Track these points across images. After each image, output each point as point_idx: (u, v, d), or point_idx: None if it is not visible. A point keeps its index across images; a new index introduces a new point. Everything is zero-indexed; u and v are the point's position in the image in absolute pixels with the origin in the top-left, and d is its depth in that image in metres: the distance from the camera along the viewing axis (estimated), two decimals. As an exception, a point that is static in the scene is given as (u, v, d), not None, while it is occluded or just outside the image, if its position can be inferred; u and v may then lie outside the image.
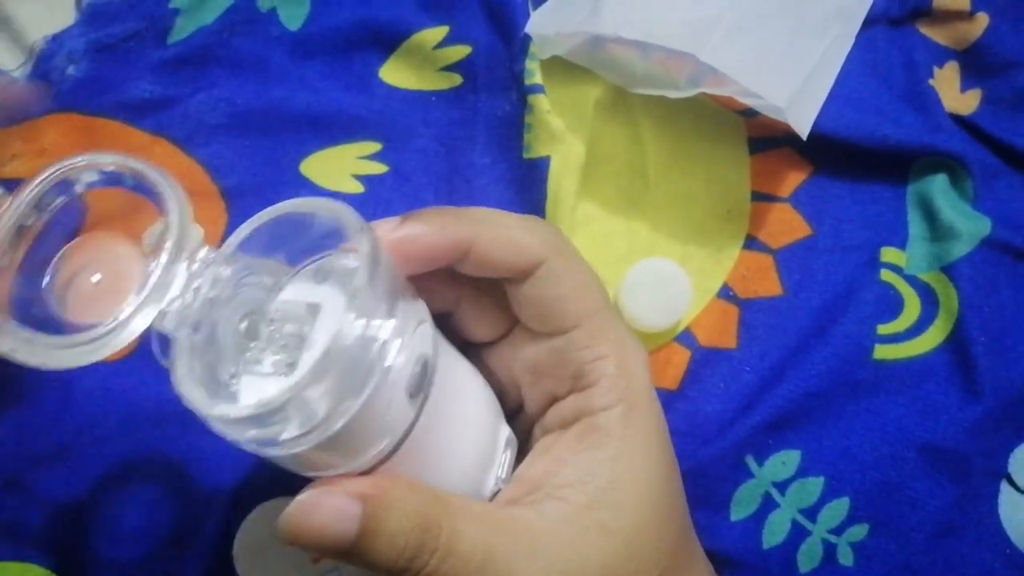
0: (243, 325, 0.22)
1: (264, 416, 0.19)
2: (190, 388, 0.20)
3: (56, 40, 0.33)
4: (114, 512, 0.30)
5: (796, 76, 0.31)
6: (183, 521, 0.30)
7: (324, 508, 0.21)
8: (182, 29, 0.34)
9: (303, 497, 0.21)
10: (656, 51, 0.32)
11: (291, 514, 0.21)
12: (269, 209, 0.21)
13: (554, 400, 0.25)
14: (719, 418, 0.33)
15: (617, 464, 0.24)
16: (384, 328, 0.20)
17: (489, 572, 0.22)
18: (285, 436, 0.20)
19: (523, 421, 0.27)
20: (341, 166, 0.34)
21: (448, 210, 0.24)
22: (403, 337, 0.21)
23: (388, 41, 0.35)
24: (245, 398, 0.21)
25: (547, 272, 0.24)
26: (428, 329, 0.22)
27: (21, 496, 0.30)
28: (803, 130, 0.31)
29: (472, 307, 0.26)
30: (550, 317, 0.24)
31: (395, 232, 0.22)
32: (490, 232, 0.23)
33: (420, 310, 0.23)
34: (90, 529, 0.29)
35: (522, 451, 0.26)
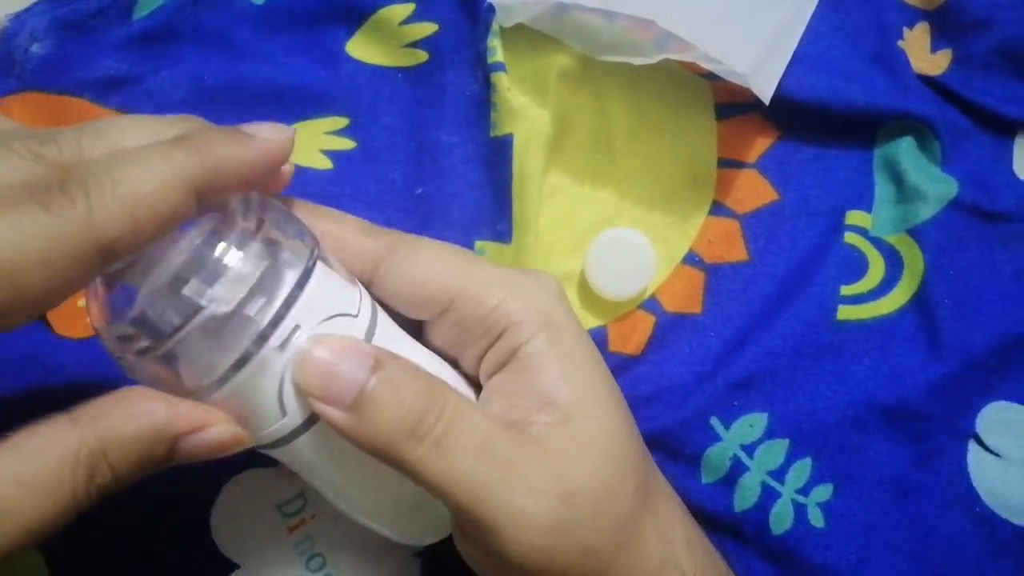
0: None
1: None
2: None
3: (19, 19, 0.33)
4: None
5: (757, 41, 0.31)
6: (159, 495, 0.30)
7: (340, 348, 0.22)
8: (146, 4, 0.34)
9: (318, 339, 0.22)
10: (621, 18, 0.32)
11: (306, 352, 0.22)
12: None
13: (478, 358, 0.26)
14: (683, 381, 0.33)
15: (570, 379, 0.25)
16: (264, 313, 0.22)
17: (488, 457, 0.22)
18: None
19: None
20: (309, 141, 0.34)
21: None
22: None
23: (355, 16, 0.35)
24: None
25: (395, 262, 0.26)
26: (347, 323, 0.23)
27: None
28: (766, 95, 0.31)
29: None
30: (420, 305, 0.26)
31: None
32: (342, 230, 0.26)
33: (344, 303, 0.24)
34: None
35: None
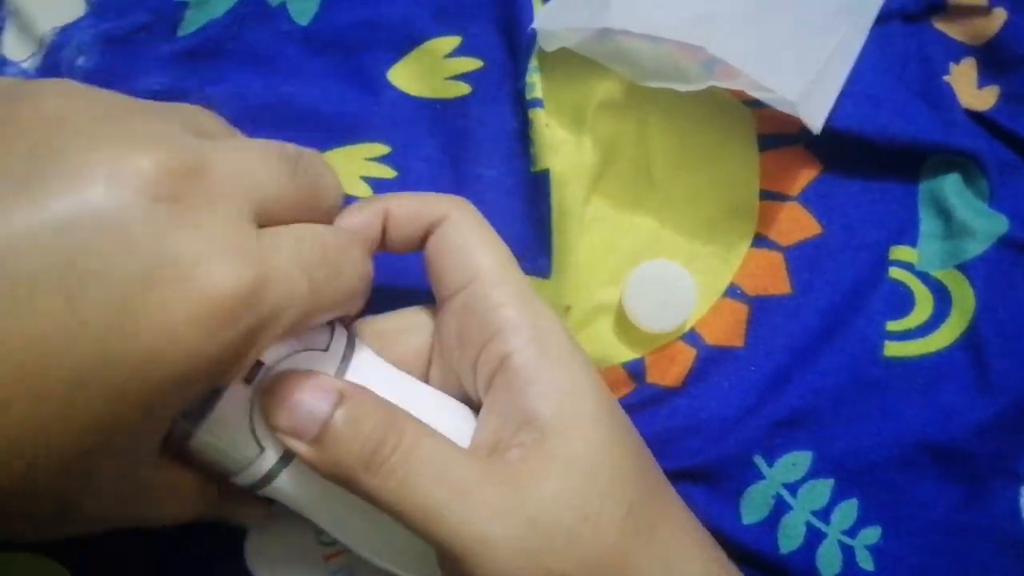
0: None
1: None
2: None
3: (65, 32, 0.33)
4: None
5: (808, 70, 0.31)
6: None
7: (304, 384, 0.23)
8: (192, 22, 0.34)
9: (283, 375, 0.23)
10: (667, 43, 0.32)
11: (271, 387, 0.23)
12: None
13: (471, 365, 0.26)
14: (723, 416, 0.33)
15: (552, 395, 0.24)
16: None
17: (445, 483, 0.22)
18: None
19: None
20: (349, 167, 0.34)
21: (360, 200, 0.28)
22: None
23: (399, 44, 0.35)
24: None
25: (450, 223, 0.27)
26: (316, 357, 0.25)
27: None
28: (815, 125, 0.31)
29: None
30: (449, 269, 0.26)
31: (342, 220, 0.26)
32: (399, 198, 0.27)
33: (312, 338, 0.25)
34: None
35: None
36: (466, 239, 0.27)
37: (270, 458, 0.24)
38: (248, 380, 0.23)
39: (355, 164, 0.34)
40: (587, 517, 0.23)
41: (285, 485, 0.25)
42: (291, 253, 0.22)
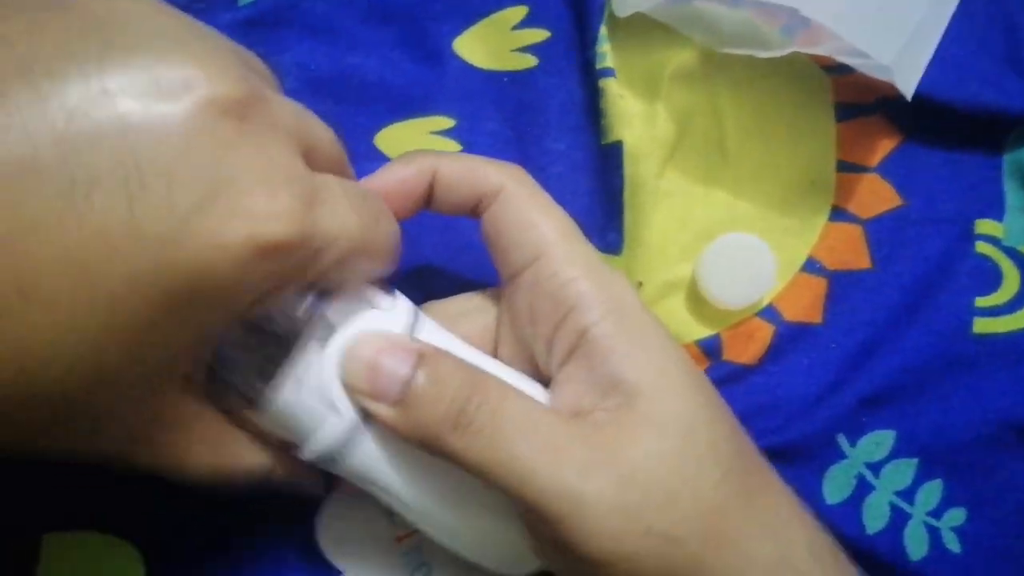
0: None
1: None
2: None
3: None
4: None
5: (901, 32, 0.29)
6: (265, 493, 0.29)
7: (384, 345, 0.22)
8: (253, -10, 0.33)
9: (361, 338, 0.23)
10: (746, 6, 0.31)
11: (352, 348, 0.22)
12: None
13: (546, 344, 0.25)
14: (803, 394, 0.32)
15: (636, 361, 0.24)
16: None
17: (534, 442, 0.22)
18: None
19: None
20: (414, 141, 0.33)
21: (410, 152, 0.27)
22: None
23: (465, 14, 0.34)
24: None
25: (507, 196, 0.25)
26: (385, 319, 0.24)
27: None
28: (908, 90, 0.30)
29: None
30: (512, 246, 0.25)
31: (376, 179, 0.26)
32: (449, 158, 0.26)
33: (379, 300, 0.24)
34: (175, 502, 0.28)
35: None
36: (527, 213, 0.26)
37: (343, 424, 0.23)
38: (321, 341, 0.23)
39: (419, 137, 0.33)
40: (685, 479, 0.22)
41: (358, 455, 0.23)
42: (339, 190, 0.22)
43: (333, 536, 0.28)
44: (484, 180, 0.26)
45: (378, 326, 0.23)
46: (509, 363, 0.27)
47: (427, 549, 0.29)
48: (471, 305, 0.28)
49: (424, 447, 0.22)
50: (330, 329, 0.23)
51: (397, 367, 0.22)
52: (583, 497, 0.21)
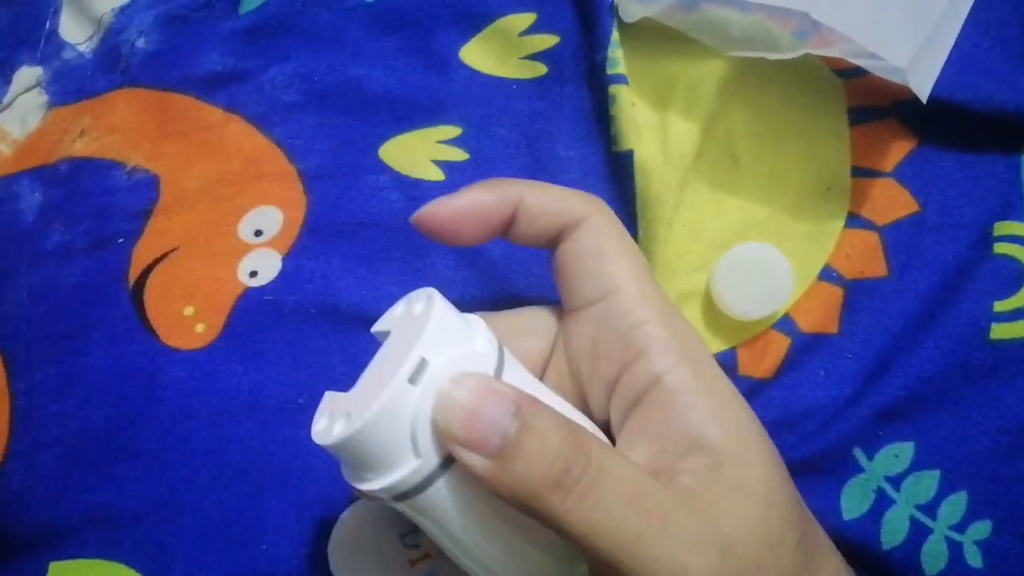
0: None
1: None
2: None
3: (124, 13, 0.31)
4: (207, 508, 0.29)
5: (917, 34, 0.29)
6: (274, 515, 0.28)
7: (483, 391, 0.20)
8: (254, -1, 0.32)
9: (460, 382, 0.21)
10: (757, 9, 0.30)
11: (448, 395, 0.20)
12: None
13: (615, 379, 0.24)
14: (821, 407, 0.31)
15: (720, 419, 0.22)
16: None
17: (641, 508, 0.20)
18: None
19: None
20: (421, 151, 0.33)
21: (494, 179, 0.25)
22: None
23: (472, 21, 0.33)
24: None
25: (588, 227, 0.24)
26: (476, 360, 0.22)
27: (111, 485, 0.29)
28: (923, 93, 0.29)
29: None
30: (586, 277, 0.24)
31: (453, 201, 0.24)
32: (536, 189, 0.25)
33: (470, 337, 0.23)
34: (181, 523, 0.28)
35: None
36: (603, 247, 0.24)
37: (425, 466, 0.21)
38: (412, 379, 0.21)
39: (426, 147, 0.33)
40: (771, 546, 0.22)
41: (427, 497, 0.22)
42: None
43: (345, 561, 0.28)
44: (570, 212, 0.25)
45: (470, 365, 0.22)
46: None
47: (442, 573, 0.28)
48: (527, 324, 0.27)
49: (517, 504, 0.21)
50: (421, 363, 0.21)
51: (498, 417, 0.20)
52: (687, 571, 0.20)
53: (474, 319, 0.23)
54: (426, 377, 0.21)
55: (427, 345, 0.21)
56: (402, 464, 0.21)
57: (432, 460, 0.21)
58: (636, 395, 0.23)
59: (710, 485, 0.22)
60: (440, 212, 0.24)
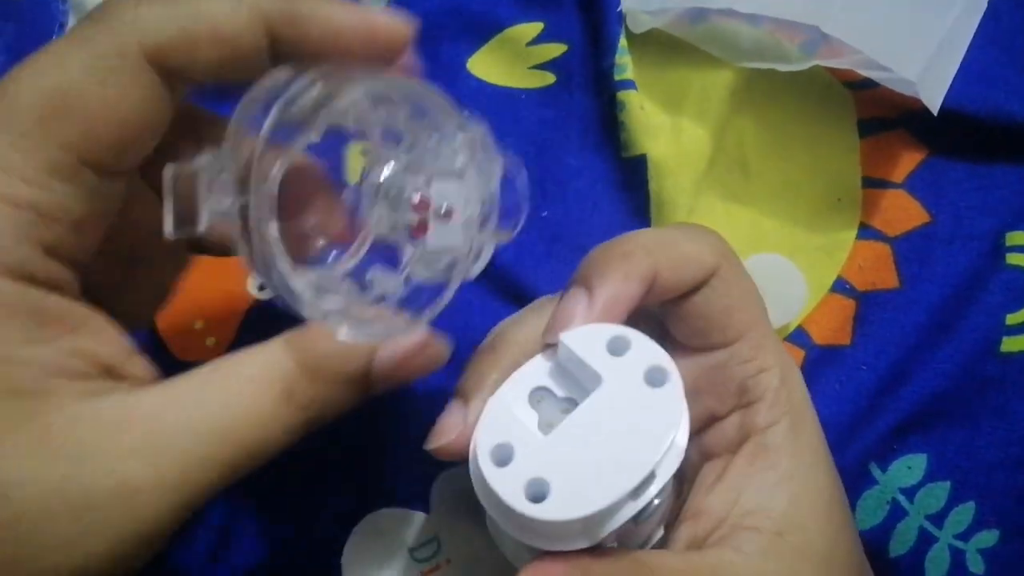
0: None
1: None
2: None
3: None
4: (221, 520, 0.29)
5: (927, 46, 0.28)
6: (288, 532, 0.28)
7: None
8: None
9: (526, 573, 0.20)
10: (765, 21, 0.30)
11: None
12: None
13: (712, 418, 0.24)
14: (836, 422, 0.31)
15: (793, 483, 0.22)
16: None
17: None
18: None
19: None
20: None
21: (618, 248, 0.22)
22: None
23: (479, 32, 0.33)
24: None
25: (718, 281, 0.23)
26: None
27: None
28: (934, 105, 0.29)
29: None
30: (715, 329, 0.23)
31: (594, 309, 0.21)
32: (667, 256, 0.22)
33: None
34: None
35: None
36: (733, 296, 0.23)
37: (582, 545, 0.20)
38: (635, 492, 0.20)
39: (435, 158, 0.32)
40: None
41: None
42: None
43: (357, 574, 0.27)
44: (703, 267, 0.23)
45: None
46: None
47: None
48: None
49: None
50: (648, 478, 0.20)
51: None
52: None
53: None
54: (647, 492, 0.20)
55: (659, 450, 0.19)
56: (570, 542, 0.20)
57: (593, 542, 0.20)
58: (735, 438, 0.23)
59: (772, 551, 0.22)
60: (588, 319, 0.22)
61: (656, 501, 0.20)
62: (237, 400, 0.19)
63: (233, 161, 0.19)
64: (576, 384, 0.21)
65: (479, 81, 0.33)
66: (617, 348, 0.21)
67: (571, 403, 0.21)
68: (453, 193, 0.21)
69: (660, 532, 0.23)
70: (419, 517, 0.29)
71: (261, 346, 0.20)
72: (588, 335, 0.21)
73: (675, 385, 0.20)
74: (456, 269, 0.21)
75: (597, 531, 0.20)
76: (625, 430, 0.20)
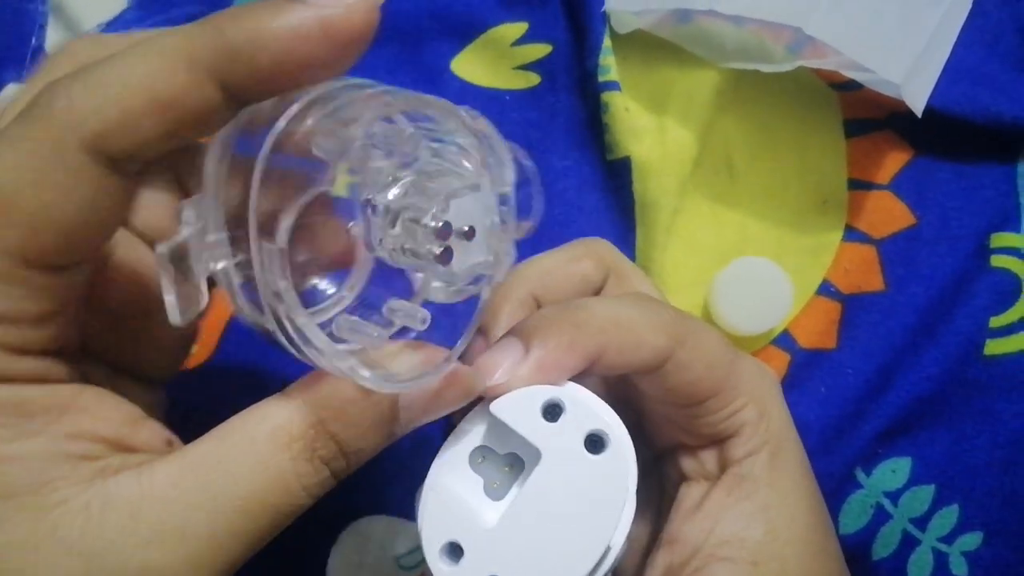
0: None
1: None
2: None
3: (111, 27, 0.31)
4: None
5: (911, 48, 0.28)
6: (274, 542, 0.28)
7: None
8: (242, 13, 0.32)
9: None
10: (750, 23, 0.30)
11: None
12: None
13: (691, 449, 0.24)
14: (822, 426, 0.31)
15: (769, 512, 0.22)
16: None
17: None
18: None
19: (645, 450, 0.25)
20: (411, 160, 0.32)
21: (568, 317, 0.21)
22: None
23: (463, 32, 0.33)
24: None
25: (675, 365, 0.22)
26: None
27: None
28: (918, 107, 0.29)
29: None
30: (680, 399, 0.23)
31: (525, 366, 0.20)
32: (617, 340, 0.21)
33: None
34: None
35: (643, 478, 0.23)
36: (696, 370, 0.22)
37: None
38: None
39: (418, 159, 0.32)
40: None
41: None
42: None
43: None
44: (654, 354, 0.22)
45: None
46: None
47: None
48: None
49: None
50: (605, 553, 0.20)
51: None
52: None
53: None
54: (603, 566, 0.19)
55: (612, 524, 0.19)
56: None
57: None
58: (713, 470, 0.24)
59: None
60: (509, 387, 0.20)
61: (613, 565, 0.19)
62: (256, 466, 0.18)
63: (220, 210, 0.17)
64: (514, 441, 0.20)
65: (463, 82, 0.33)
66: (552, 414, 0.20)
67: (513, 458, 0.20)
68: (471, 208, 0.19)
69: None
70: (406, 525, 0.28)
71: (274, 401, 0.18)
72: (519, 402, 0.20)
73: (618, 445, 0.19)
74: (482, 283, 0.20)
75: None
76: (574, 508, 0.19)
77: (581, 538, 0.19)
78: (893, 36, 0.29)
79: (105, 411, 0.18)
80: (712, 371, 0.22)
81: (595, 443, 0.19)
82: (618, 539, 0.19)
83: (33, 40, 0.31)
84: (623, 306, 0.22)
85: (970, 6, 0.31)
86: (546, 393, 0.20)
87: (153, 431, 0.19)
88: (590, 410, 0.20)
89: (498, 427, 0.20)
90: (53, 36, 0.31)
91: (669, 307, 0.23)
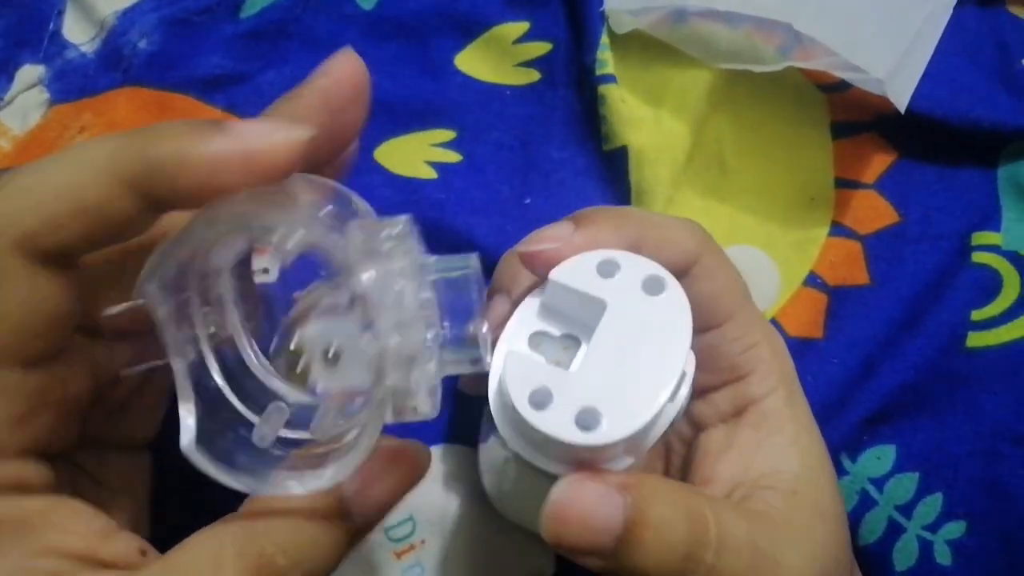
0: None
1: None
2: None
3: (127, 15, 0.32)
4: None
5: (895, 48, 0.30)
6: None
7: (586, 495, 0.19)
8: (254, 3, 0.33)
9: (560, 487, 0.19)
10: (744, 22, 0.31)
11: (552, 503, 0.19)
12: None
13: (702, 390, 0.25)
14: None
15: (800, 445, 0.23)
16: None
17: (760, 568, 0.20)
18: None
19: None
20: (414, 152, 0.33)
21: (612, 209, 0.23)
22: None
23: (466, 29, 0.34)
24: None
25: (702, 269, 0.23)
26: None
27: None
28: (901, 103, 0.30)
29: None
30: (701, 314, 0.23)
31: (575, 238, 0.22)
32: (654, 232, 0.22)
33: None
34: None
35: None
36: (718, 282, 0.24)
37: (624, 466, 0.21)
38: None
39: (420, 149, 0.33)
40: (840, 562, 0.23)
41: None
42: None
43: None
44: (686, 253, 0.23)
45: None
46: None
47: (428, 564, 0.28)
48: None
49: None
50: (682, 378, 0.21)
51: (607, 519, 0.19)
52: None
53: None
54: (680, 393, 0.21)
55: (683, 349, 0.20)
56: (617, 462, 0.21)
57: (639, 456, 0.21)
58: (728, 409, 0.24)
59: (798, 508, 0.22)
60: (562, 253, 0.22)
61: (685, 402, 0.21)
62: None
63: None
64: (570, 320, 0.21)
65: (466, 77, 0.34)
66: (607, 271, 0.21)
67: (570, 339, 0.21)
68: (336, 329, 0.20)
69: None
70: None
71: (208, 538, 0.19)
72: (574, 267, 0.21)
73: (674, 288, 0.21)
74: (370, 416, 0.19)
75: (643, 445, 0.21)
76: (646, 344, 0.20)
77: (658, 367, 0.20)
78: (878, 36, 0.30)
79: (76, 525, 0.19)
80: (733, 286, 0.24)
81: (653, 287, 0.21)
82: (689, 368, 0.21)
83: (51, 25, 0.32)
84: (653, 213, 0.24)
85: (950, 11, 0.32)
86: (598, 255, 0.21)
87: (126, 543, 0.19)
88: (642, 260, 0.21)
89: (550, 310, 0.21)
90: (70, 22, 0.32)
91: (697, 224, 0.25)
